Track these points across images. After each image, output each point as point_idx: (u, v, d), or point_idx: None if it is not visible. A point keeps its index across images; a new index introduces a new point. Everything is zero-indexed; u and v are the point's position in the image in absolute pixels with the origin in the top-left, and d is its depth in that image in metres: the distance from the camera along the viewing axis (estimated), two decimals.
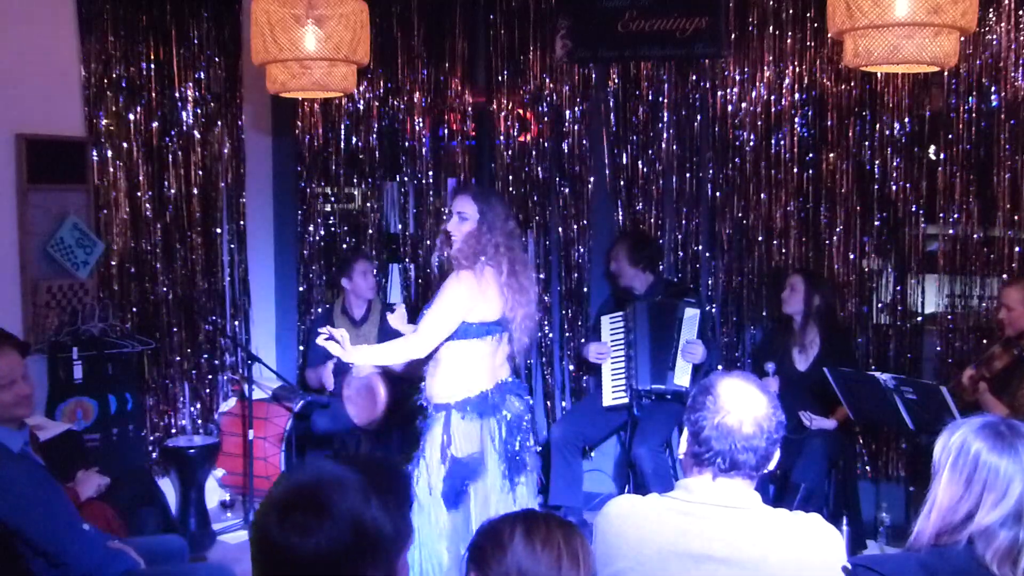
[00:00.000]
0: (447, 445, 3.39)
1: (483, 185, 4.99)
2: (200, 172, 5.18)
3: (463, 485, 3.41)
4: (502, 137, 5.29)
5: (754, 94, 4.86)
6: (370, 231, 5.63)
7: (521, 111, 5.28)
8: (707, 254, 5.08)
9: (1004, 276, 4.46)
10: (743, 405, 2.06)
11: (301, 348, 5.81)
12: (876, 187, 4.71)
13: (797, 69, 4.78)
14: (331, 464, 1.45)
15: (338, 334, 3.36)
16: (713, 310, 5.05)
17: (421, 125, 5.46)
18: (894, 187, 4.67)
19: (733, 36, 4.84)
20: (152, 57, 4.87)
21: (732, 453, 2.04)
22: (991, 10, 4.37)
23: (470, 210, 3.42)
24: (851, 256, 4.78)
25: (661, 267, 5.00)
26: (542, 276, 5.30)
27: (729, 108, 4.91)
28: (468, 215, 3.42)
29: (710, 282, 5.08)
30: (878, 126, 4.67)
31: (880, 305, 4.81)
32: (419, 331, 3.43)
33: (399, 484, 1.47)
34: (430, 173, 5.46)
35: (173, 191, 5.04)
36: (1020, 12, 4.35)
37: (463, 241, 3.41)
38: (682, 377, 4.52)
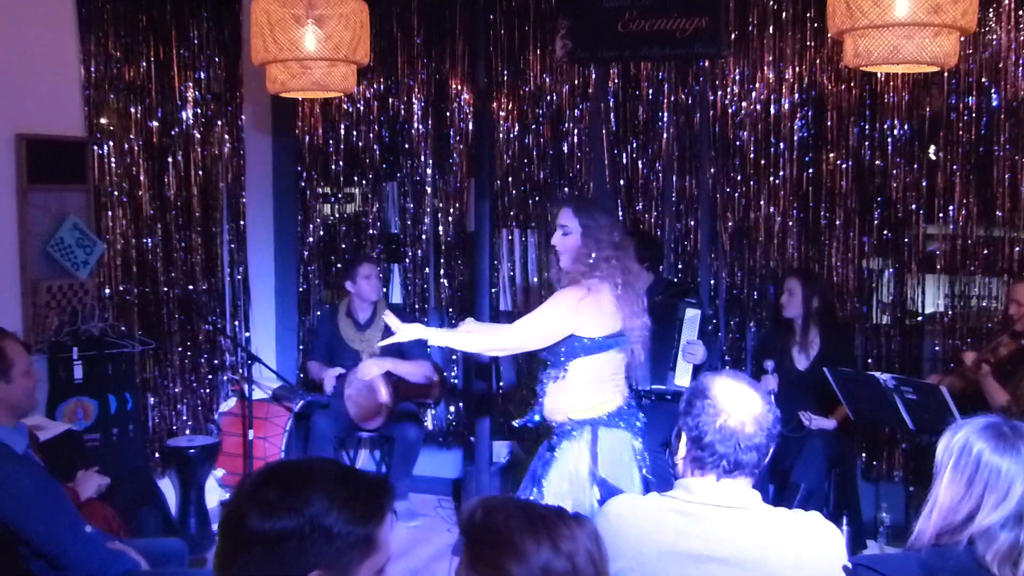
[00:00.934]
0: (595, 464, 3.29)
1: (482, 185, 4.98)
2: (200, 172, 5.18)
3: None
4: (502, 137, 5.29)
5: (754, 94, 4.85)
6: (370, 231, 5.63)
7: (521, 111, 5.28)
8: (707, 254, 5.07)
9: (1005, 276, 4.46)
10: (742, 406, 2.07)
11: (301, 348, 5.81)
12: (876, 187, 4.71)
13: (797, 69, 4.77)
14: (315, 459, 1.54)
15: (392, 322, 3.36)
16: (717, 310, 5.04)
17: (421, 125, 5.45)
18: (894, 187, 4.67)
19: (733, 36, 4.83)
20: (152, 57, 4.87)
21: (736, 454, 2.04)
22: (991, 10, 4.37)
23: (572, 224, 3.36)
24: (851, 256, 4.78)
25: (661, 268, 5.00)
26: (544, 276, 5.29)
27: (729, 108, 4.91)
28: (571, 229, 3.36)
29: (711, 282, 5.08)
30: (878, 126, 4.67)
31: (880, 305, 4.81)
32: (510, 329, 3.42)
33: (372, 497, 1.47)
34: (430, 174, 5.46)
35: (173, 191, 5.04)
36: (1020, 12, 4.35)
37: (573, 259, 3.36)
38: (683, 377, 4.51)
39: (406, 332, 3.38)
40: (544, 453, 3.44)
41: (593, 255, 3.32)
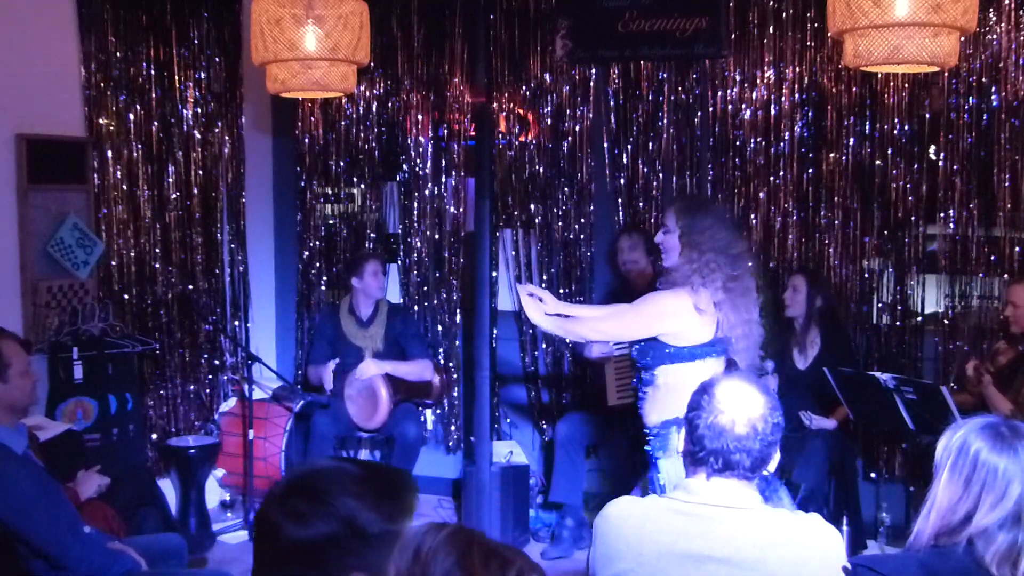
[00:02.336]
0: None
1: (482, 185, 4.97)
2: (200, 172, 5.19)
3: None
4: (502, 137, 5.29)
5: (754, 94, 4.85)
6: (370, 231, 5.63)
7: (521, 111, 5.28)
8: None
9: (1005, 276, 4.46)
10: (737, 405, 2.06)
11: (302, 352, 5.81)
12: (876, 187, 4.70)
13: (797, 69, 4.77)
14: (340, 462, 1.54)
15: (538, 291, 3.37)
16: None
17: (421, 125, 5.45)
18: (894, 187, 4.67)
19: (733, 36, 4.83)
20: (152, 57, 4.87)
21: (725, 453, 2.04)
22: (991, 10, 4.37)
23: (671, 223, 3.35)
24: (851, 256, 4.78)
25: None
26: (544, 278, 5.29)
27: (729, 108, 4.90)
28: (671, 228, 3.35)
29: None
30: (878, 126, 4.67)
31: (880, 305, 4.81)
32: (602, 315, 3.45)
33: (401, 494, 1.49)
34: (430, 173, 5.46)
35: (173, 191, 5.04)
36: (1020, 12, 4.35)
37: (672, 259, 3.35)
38: None
39: (553, 306, 3.41)
40: (652, 456, 3.40)
41: (692, 257, 3.28)
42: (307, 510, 1.42)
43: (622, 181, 5.14)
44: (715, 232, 3.32)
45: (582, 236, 5.24)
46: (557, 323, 3.44)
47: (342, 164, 5.64)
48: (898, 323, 4.75)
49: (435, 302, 5.51)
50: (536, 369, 5.38)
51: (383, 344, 5.03)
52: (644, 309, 3.33)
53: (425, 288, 5.52)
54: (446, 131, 5.41)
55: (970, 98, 4.47)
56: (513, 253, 5.37)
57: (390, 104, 5.50)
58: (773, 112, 4.83)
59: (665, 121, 5.02)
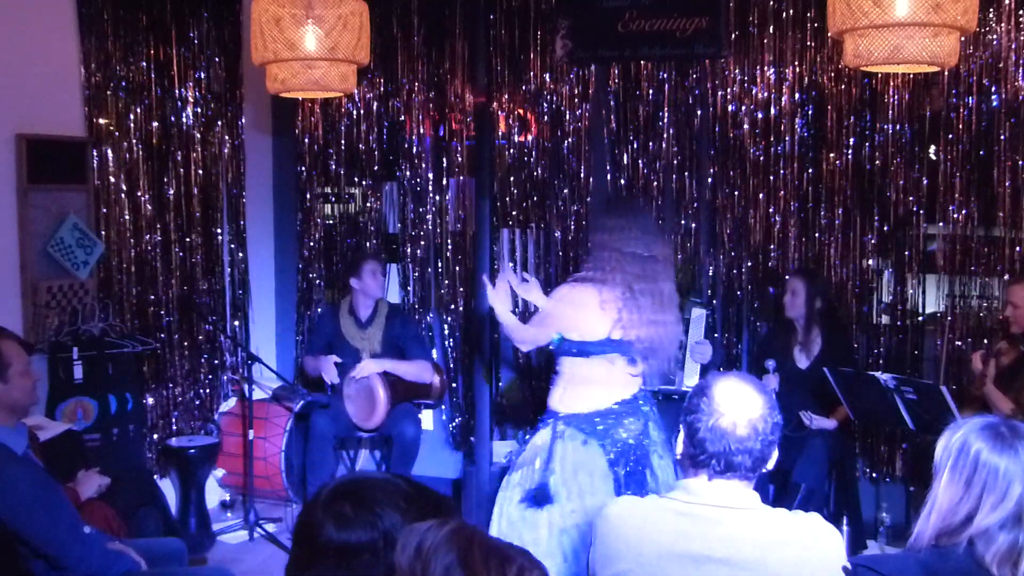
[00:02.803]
0: (549, 459, 3.38)
1: (482, 185, 4.97)
2: (200, 172, 5.19)
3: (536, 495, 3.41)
4: (502, 137, 5.29)
5: (754, 94, 4.85)
6: (370, 231, 5.63)
7: (521, 111, 5.28)
8: (707, 254, 5.07)
9: (1005, 276, 4.46)
10: (737, 407, 2.05)
11: (301, 351, 5.81)
12: (876, 187, 4.70)
13: (797, 69, 4.77)
14: (390, 475, 1.59)
15: (526, 277, 3.56)
16: (715, 309, 5.04)
17: (421, 125, 5.45)
18: (894, 187, 4.67)
19: (733, 36, 4.83)
20: (152, 57, 4.87)
21: (727, 455, 2.03)
22: (991, 10, 4.37)
23: (592, 223, 3.46)
24: (851, 256, 4.78)
25: None
26: (540, 276, 5.29)
27: (729, 108, 4.90)
28: (591, 227, 3.45)
29: (711, 282, 5.07)
30: (878, 126, 4.66)
31: (880, 305, 4.81)
32: (528, 327, 3.58)
33: (440, 516, 1.49)
34: (430, 173, 5.46)
35: (173, 191, 5.04)
36: (1020, 12, 4.35)
37: (591, 253, 3.44)
38: (691, 378, 4.51)
39: (530, 294, 3.59)
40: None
41: (595, 254, 3.36)
42: (352, 515, 1.45)
43: (622, 181, 5.14)
44: (624, 232, 3.36)
45: (581, 236, 5.23)
46: (512, 325, 3.57)
47: (342, 164, 5.65)
48: (898, 323, 4.75)
49: (435, 302, 5.51)
50: (529, 365, 5.38)
51: (380, 347, 5.03)
52: (551, 306, 3.47)
53: (425, 288, 5.52)
54: (446, 131, 5.41)
55: (970, 98, 4.46)
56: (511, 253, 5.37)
57: (390, 104, 5.51)
58: (773, 112, 4.83)
59: (665, 121, 5.02)
